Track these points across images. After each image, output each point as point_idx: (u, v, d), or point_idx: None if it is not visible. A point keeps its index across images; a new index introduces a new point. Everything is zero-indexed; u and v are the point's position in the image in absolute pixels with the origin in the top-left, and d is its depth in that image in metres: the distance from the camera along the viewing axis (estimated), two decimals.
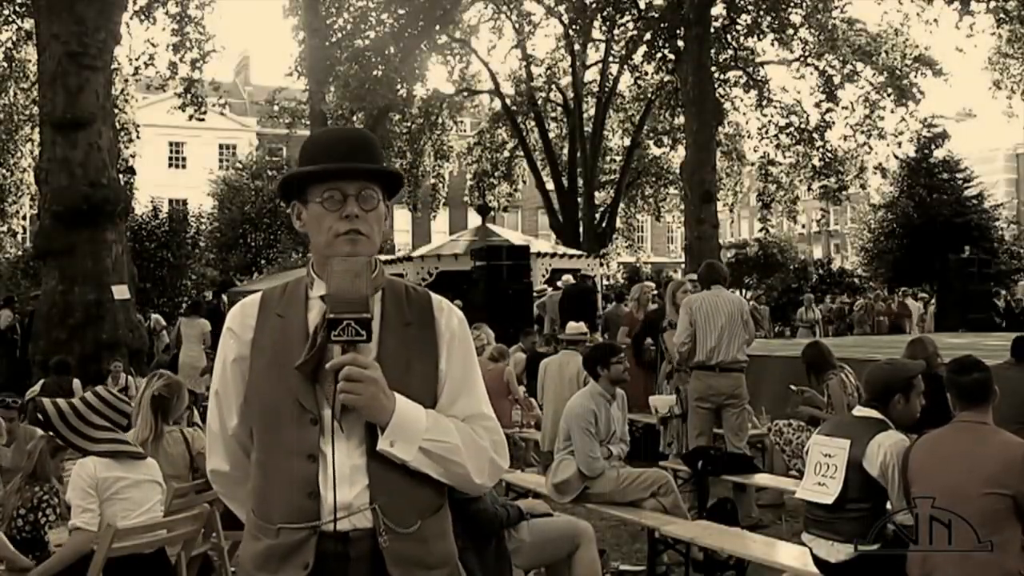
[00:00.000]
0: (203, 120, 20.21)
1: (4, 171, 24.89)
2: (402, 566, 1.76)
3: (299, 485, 1.75)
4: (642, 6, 23.33)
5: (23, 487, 4.16)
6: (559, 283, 14.33)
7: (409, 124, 26.08)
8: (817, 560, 3.73)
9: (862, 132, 25.35)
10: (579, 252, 20.36)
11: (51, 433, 3.88)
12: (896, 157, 27.24)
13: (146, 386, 4.68)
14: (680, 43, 21.11)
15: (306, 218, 1.88)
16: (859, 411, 3.89)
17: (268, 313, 1.89)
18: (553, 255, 18.46)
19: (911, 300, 21.53)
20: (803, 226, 39.26)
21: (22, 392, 8.19)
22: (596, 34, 25.44)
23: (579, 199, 26.28)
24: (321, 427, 1.77)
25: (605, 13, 23.65)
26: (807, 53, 24.54)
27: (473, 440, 1.85)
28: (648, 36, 23.13)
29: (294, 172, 1.90)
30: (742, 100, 26.01)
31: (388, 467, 1.76)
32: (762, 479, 6.26)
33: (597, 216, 26.96)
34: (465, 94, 27.02)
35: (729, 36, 23.94)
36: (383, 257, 17.78)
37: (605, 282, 27.34)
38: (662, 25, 22.12)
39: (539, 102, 26.75)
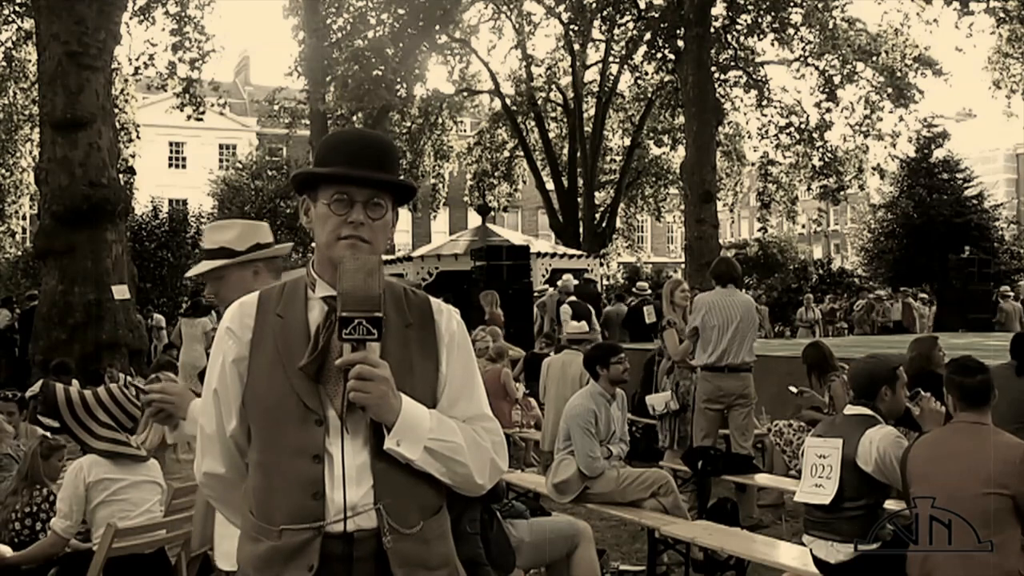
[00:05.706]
0: (203, 120, 20.17)
1: (4, 171, 24.87)
2: (406, 567, 1.76)
3: (304, 486, 1.75)
4: (642, 6, 23.32)
5: (20, 490, 4.16)
6: (559, 283, 14.33)
7: (409, 124, 26.06)
8: (817, 561, 3.73)
9: (861, 132, 25.35)
10: (579, 252, 20.38)
11: (57, 425, 3.88)
12: (895, 157, 27.20)
13: None
14: (680, 43, 21.09)
15: (313, 215, 1.89)
16: (849, 409, 3.90)
17: (267, 313, 1.88)
18: (553, 255, 18.48)
19: (912, 300, 21.51)
20: (803, 226, 39.20)
21: (22, 391, 8.18)
22: (596, 34, 25.44)
23: (579, 199, 26.26)
24: (326, 427, 1.77)
25: (605, 13, 23.63)
26: (807, 53, 24.51)
27: (475, 440, 1.86)
28: (648, 36, 23.11)
29: (307, 171, 1.92)
30: (742, 100, 26.01)
31: (393, 467, 1.76)
32: (762, 479, 6.26)
33: (597, 216, 26.95)
34: (465, 94, 27.00)
35: (729, 36, 23.92)
36: (382, 257, 17.72)
37: (605, 282, 27.34)
38: (662, 25, 22.10)
39: (539, 102, 26.73)
